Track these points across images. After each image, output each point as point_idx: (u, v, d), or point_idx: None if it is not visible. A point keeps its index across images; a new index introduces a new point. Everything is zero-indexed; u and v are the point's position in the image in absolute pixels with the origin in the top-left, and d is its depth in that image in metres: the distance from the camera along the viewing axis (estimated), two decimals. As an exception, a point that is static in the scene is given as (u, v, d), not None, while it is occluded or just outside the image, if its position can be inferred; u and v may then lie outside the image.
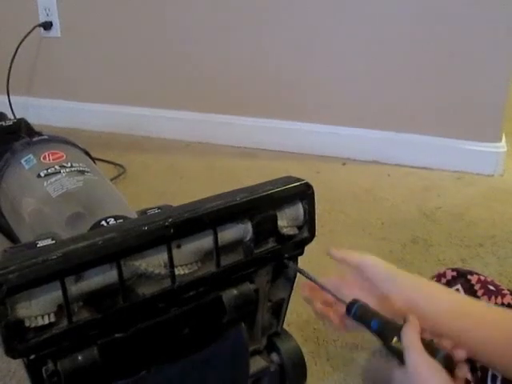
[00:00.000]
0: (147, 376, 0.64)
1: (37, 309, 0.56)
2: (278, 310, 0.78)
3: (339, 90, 1.71)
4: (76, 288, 0.58)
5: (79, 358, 0.58)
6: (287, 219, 0.71)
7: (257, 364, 0.77)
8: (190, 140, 1.87)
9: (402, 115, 1.68)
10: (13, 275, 0.53)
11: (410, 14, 1.55)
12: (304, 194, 0.73)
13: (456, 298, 0.67)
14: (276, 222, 0.70)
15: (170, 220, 0.63)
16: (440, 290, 0.67)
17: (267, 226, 0.69)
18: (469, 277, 0.82)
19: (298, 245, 0.74)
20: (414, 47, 1.58)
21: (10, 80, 1.90)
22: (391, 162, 1.68)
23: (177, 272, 0.64)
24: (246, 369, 0.74)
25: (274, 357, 0.78)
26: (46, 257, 0.56)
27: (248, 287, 0.68)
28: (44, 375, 0.58)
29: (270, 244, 0.71)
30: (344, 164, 1.70)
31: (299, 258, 0.76)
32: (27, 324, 0.55)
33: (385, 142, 1.69)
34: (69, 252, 0.57)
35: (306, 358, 0.81)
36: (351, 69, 1.67)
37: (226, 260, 0.67)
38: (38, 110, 2.00)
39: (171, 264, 0.62)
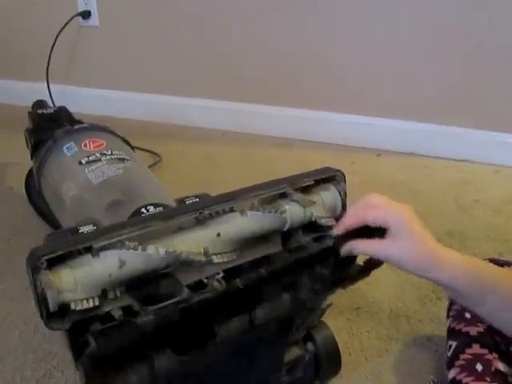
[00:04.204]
0: (185, 360, 0.66)
1: (82, 292, 0.57)
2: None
3: (376, 80, 1.69)
4: (119, 273, 0.60)
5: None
6: (325, 210, 0.71)
7: (292, 353, 0.78)
8: (226, 129, 1.88)
9: (439, 107, 1.65)
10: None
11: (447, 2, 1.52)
12: (340, 184, 0.74)
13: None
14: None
15: (208, 209, 0.64)
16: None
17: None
18: (505, 267, 0.81)
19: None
20: (453, 36, 1.55)
21: (50, 68, 1.94)
22: (428, 154, 1.66)
23: (215, 260, 0.65)
24: (282, 357, 0.75)
25: (310, 346, 0.79)
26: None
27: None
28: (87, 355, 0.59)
29: (308, 235, 0.71)
30: (379, 155, 1.69)
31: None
32: (73, 307, 0.57)
33: (421, 133, 1.67)
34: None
35: (340, 349, 0.82)
36: (388, 59, 1.65)
37: (264, 249, 0.68)
38: (76, 98, 2.03)
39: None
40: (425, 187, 1.48)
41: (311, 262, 0.68)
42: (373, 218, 0.64)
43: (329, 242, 0.68)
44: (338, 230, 0.66)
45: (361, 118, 1.74)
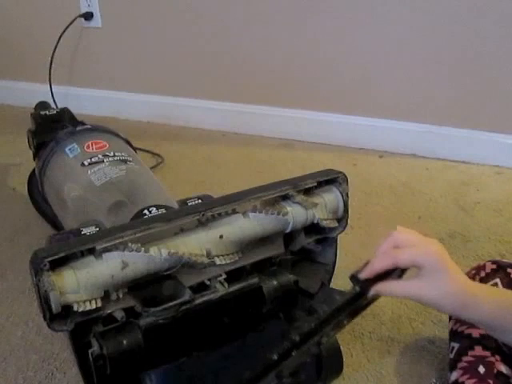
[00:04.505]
0: (188, 361, 0.66)
1: (85, 294, 0.58)
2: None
3: (377, 81, 1.69)
4: (121, 275, 0.60)
5: (124, 342, 0.60)
6: (327, 212, 0.72)
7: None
8: (227, 130, 1.88)
9: (441, 108, 1.65)
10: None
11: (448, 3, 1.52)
12: (343, 186, 0.74)
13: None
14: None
15: (210, 211, 0.64)
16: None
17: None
18: (508, 270, 0.81)
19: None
20: (453, 37, 1.55)
21: (52, 69, 1.94)
22: (429, 156, 1.66)
23: (218, 262, 0.65)
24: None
25: (312, 348, 0.79)
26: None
27: (288, 278, 0.69)
28: (90, 358, 0.60)
29: (311, 237, 0.71)
30: (381, 157, 1.69)
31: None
32: (75, 308, 0.57)
33: (423, 134, 1.67)
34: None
35: (342, 350, 0.82)
36: (389, 60, 1.65)
37: (267, 251, 0.68)
38: (78, 99, 2.04)
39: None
40: (426, 188, 1.47)
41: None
42: (404, 260, 0.61)
43: (357, 288, 0.63)
44: (366, 274, 0.62)
45: (362, 119, 1.73)
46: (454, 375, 0.72)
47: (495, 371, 0.68)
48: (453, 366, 0.73)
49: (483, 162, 1.60)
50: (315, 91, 1.77)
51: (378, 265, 0.61)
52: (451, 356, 0.75)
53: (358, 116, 1.74)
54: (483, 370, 0.68)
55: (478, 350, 0.71)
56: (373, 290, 0.62)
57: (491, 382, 0.67)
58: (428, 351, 0.89)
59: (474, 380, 0.68)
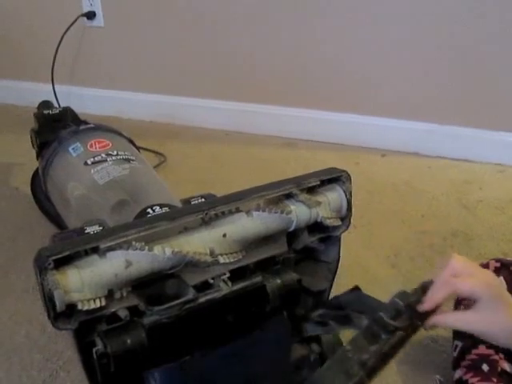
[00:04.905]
0: (191, 360, 0.66)
1: (89, 292, 0.58)
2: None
3: (379, 80, 1.69)
4: (125, 273, 0.60)
5: (128, 341, 0.60)
6: (331, 211, 0.72)
7: (296, 353, 0.78)
8: (230, 129, 1.88)
9: (444, 106, 1.65)
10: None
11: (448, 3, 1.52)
12: (346, 185, 0.74)
13: None
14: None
15: (214, 210, 0.64)
16: None
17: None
18: (512, 268, 0.81)
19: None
20: (455, 37, 1.55)
21: (55, 69, 1.94)
22: (432, 154, 1.66)
23: (221, 260, 0.65)
24: (288, 357, 0.75)
25: (314, 346, 0.79)
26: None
27: (291, 277, 0.69)
28: (94, 356, 0.60)
29: (314, 236, 0.71)
30: (383, 155, 1.69)
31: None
32: (79, 307, 0.57)
33: (425, 133, 1.67)
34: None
35: (345, 348, 0.81)
36: (391, 59, 1.65)
37: (270, 250, 0.68)
38: (81, 98, 2.04)
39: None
40: (428, 187, 1.47)
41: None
42: (464, 290, 0.60)
43: (416, 322, 0.62)
44: (427, 306, 0.61)
45: (365, 118, 1.73)
46: (458, 373, 0.72)
47: (499, 369, 0.68)
48: (456, 365, 0.73)
49: (486, 161, 1.60)
50: (318, 90, 1.77)
51: (439, 295, 0.61)
52: (455, 354, 0.75)
53: (361, 115, 1.74)
54: (487, 368, 0.69)
55: (482, 349, 0.71)
56: (431, 322, 0.62)
57: (495, 380, 0.67)
58: (431, 350, 0.89)
59: (477, 378, 0.68)
